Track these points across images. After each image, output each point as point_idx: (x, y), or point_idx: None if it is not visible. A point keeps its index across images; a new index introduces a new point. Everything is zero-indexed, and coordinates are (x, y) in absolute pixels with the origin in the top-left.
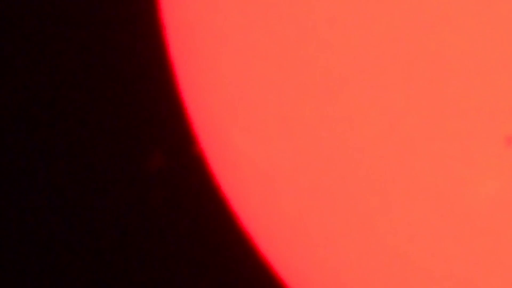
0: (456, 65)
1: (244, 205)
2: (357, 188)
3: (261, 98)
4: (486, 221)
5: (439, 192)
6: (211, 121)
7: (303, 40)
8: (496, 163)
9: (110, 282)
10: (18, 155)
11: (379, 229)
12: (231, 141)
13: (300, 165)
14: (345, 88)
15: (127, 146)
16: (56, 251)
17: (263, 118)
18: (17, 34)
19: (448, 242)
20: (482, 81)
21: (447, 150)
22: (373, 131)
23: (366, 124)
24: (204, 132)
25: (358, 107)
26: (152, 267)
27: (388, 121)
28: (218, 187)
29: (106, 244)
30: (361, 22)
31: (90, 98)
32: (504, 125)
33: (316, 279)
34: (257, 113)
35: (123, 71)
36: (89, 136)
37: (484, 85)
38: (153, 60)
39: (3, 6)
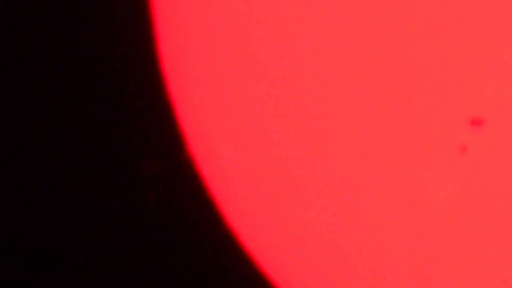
0: (415, 74)
1: (229, 204)
2: (327, 190)
3: (241, 111)
4: (443, 221)
5: (400, 194)
6: (200, 131)
7: (284, 56)
8: (453, 169)
9: (103, 280)
10: (19, 157)
11: (343, 230)
12: (216, 148)
13: (277, 168)
14: (322, 96)
15: (123, 153)
16: (52, 251)
17: (243, 128)
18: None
19: (407, 241)
20: (440, 93)
21: (408, 156)
22: (339, 137)
23: (334, 130)
24: (194, 140)
25: (332, 111)
26: (146, 264)
27: (353, 127)
28: (206, 188)
29: (100, 244)
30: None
31: (87, 112)
32: (459, 136)
33: (301, 277)
34: (238, 124)
35: (117, 85)
36: (85, 145)
37: (442, 97)
38: (148, 75)
39: None
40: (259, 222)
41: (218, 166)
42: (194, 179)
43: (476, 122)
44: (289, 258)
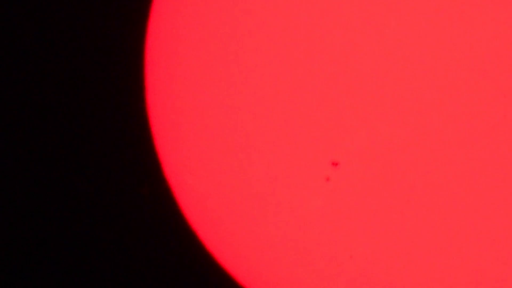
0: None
1: (200, 220)
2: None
3: (207, 153)
4: (313, 226)
5: (285, 208)
6: (176, 166)
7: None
8: (321, 191)
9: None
10: (20, 174)
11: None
12: (184, 180)
13: (232, 195)
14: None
15: (116, 184)
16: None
17: (204, 166)
18: None
19: (285, 242)
20: (311, 142)
21: (290, 182)
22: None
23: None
24: (172, 173)
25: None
26: (131, 272)
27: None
28: (180, 207)
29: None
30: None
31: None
32: (324, 171)
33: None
34: (205, 160)
35: (107, 140)
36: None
37: (313, 145)
38: (135, 127)
39: None
40: (225, 231)
41: (189, 192)
42: (171, 201)
43: (335, 164)
44: (258, 261)
